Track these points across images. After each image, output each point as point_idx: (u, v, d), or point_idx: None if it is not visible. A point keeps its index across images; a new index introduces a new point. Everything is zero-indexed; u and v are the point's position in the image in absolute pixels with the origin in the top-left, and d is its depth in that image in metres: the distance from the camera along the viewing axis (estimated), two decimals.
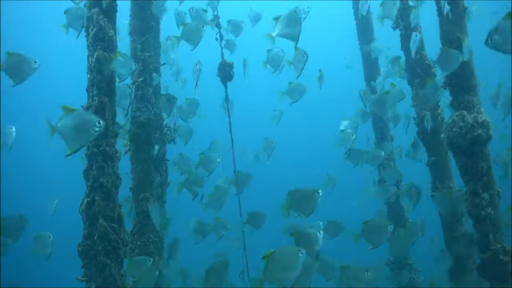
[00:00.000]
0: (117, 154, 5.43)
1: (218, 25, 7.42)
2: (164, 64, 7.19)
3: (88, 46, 5.39)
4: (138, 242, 6.51)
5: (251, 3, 8.24)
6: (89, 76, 5.33)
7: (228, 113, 7.41)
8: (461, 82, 5.86)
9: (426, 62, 7.23)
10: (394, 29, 7.61)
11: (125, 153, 6.65)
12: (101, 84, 5.26)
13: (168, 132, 7.55)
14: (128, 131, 6.71)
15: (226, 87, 7.38)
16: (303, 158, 26.34)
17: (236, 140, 7.44)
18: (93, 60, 5.26)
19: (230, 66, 7.33)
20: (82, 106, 5.36)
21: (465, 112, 5.75)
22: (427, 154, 7.34)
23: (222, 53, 7.42)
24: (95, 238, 5.19)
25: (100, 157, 5.21)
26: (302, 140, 26.99)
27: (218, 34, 7.45)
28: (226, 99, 7.37)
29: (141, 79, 6.68)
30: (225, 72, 7.29)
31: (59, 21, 6.30)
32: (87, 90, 5.36)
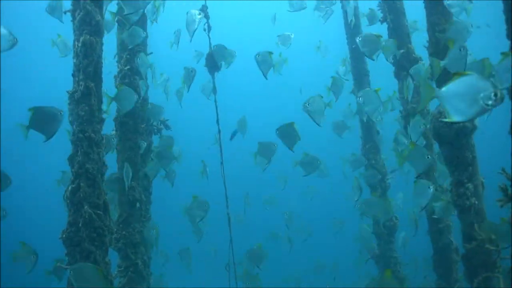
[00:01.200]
0: (103, 141, 5.35)
1: (206, 16, 7.38)
2: (151, 53, 7.12)
3: (74, 31, 5.31)
4: (124, 232, 6.43)
5: (251, 3, 8.28)
6: (75, 61, 5.24)
7: (216, 104, 7.37)
8: (447, 73, 5.90)
9: (413, 55, 7.30)
10: (381, 22, 7.68)
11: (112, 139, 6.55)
12: (88, 69, 5.18)
13: (154, 123, 7.50)
14: (114, 120, 6.63)
15: (213, 78, 7.33)
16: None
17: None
18: (79, 44, 5.18)
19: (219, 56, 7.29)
20: (67, 92, 5.28)
21: None
22: None
23: (210, 43, 7.37)
24: (80, 225, 5.10)
25: (86, 143, 5.13)
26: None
27: (206, 24, 7.41)
28: (214, 90, 7.32)
29: (128, 67, 6.61)
30: (213, 63, 7.25)
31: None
32: (72, 75, 5.28)
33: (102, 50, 5.39)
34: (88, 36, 5.16)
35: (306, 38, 14.27)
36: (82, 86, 5.13)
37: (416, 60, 7.25)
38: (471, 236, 5.77)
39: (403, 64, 7.28)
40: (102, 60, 5.39)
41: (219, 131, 7.41)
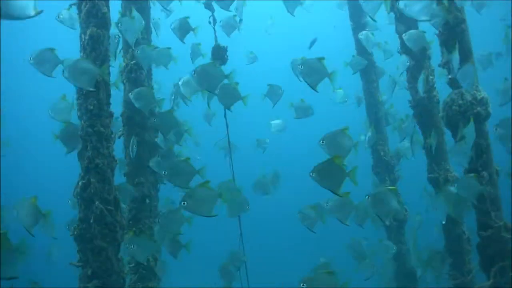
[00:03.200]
0: (112, 135, 5.27)
1: (211, 8, 7.29)
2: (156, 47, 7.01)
3: (80, 24, 5.22)
4: (134, 229, 6.34)
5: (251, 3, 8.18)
6: (82, 54, 5.16)
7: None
8: (460, 61, 5.83)
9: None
10: (388, 12, 7.58)
11: (119, 137, 6.47)
12: (95, 62, 5.10)
13: None
14: (121, 115, 6.54)
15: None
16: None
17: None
18: (86, 37, 5.09)
19: (224, 49, 7.20)
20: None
21: (463, 90, 5.73)
22: (423, 137, 7.32)
23: (215, 36, 7.28)
24: (91, 221, 5.03)
25: (95, 137, 5.06)
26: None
27: (212, 17, 7.32)
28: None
29: (134, 61, 6.50)
30: (219, 56, 7.15)
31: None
32: None
33: (109, 43, 5.31)
34: (95, 29, 5.08)
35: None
36: None
37: (425, 49, 7.17)
38: (487, 224, 5.70)
39: (412, 53, 7.17)
40: (109, 53, 5.30)
41: (227, 125, 7.33)
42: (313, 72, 5.27)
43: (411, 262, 8.46)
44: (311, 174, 4.38)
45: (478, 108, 5.61)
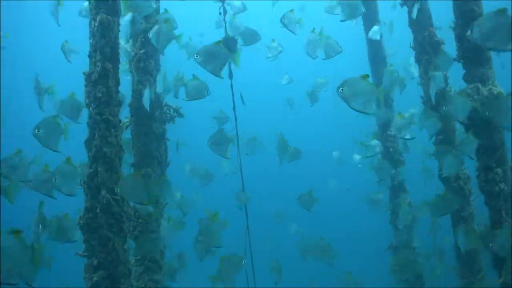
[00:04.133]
0: (121, 124, 5.18)
1: None
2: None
3: (90, 10, 5.13)
4: (140, 220, 6.26)
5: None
6: (91, 41, 5.08)
7: (232, 90, 7.18)
8: (475, 55, 5.71)
9: (435, 38, 7.06)
10: (402, 5, 7.45)
11: (126, 128, 6.39)
12: (105, 49, 5.01)
13: (168, 111, 7.31)
14: (129, 105, 6.45)
15: (229, 63, 7.12)
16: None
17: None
18: (96, 24, 5.00)
19: (234, 40, 7.10)
20: (83, 73, 5.11)
21: (479, 85, 5.61)
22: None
23: (225, 27, 7.18)
24: (98, 210, 4.95)
25: (103, 125, 4.97)
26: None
27: (222, 8, 7.22)
28: (230, 75, 7.13)
29: (143, 51, 6.41)
30: (229, 47, 7.04)
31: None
32: (89, 56, 5.11)
33: (119, 31, 5.22)
34: (105, 15, 4.98)
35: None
36: (99, 67, 4.97)
37: (439, 44, 7.03)
38: (499, 221, 5.58)
39: (425, 47, 7.06)
40: (119, 41, 5.21)
41: (236, 118, 7.23)
42: (358, 94, 4.18)
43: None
44: (339, 89, 3.96)
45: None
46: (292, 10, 6.44)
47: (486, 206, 5.74)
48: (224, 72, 5.89)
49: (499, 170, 5.58)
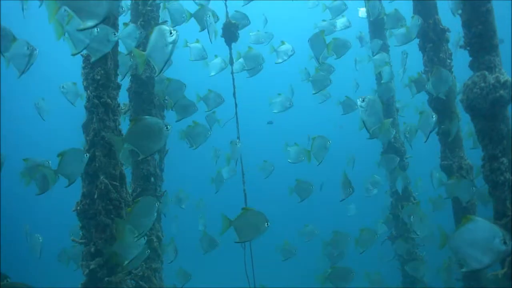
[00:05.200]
0: (119, 108, 5.04)
1: None
2: (165, 22, 6.76)
3: None
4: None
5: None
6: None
7: (232, 76, 7.05)
8: (482, 42, 5.59)
9: (440, 26, 6.95)
10: None
11: (125, 113, 6.25)
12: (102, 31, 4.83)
13: (166, 98, 7.17)
14: (128, 90, 6.30)
15: (230, 49, 7.00)
16: None
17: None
18: None
19: (235, 26, 6.95)
20: (82, 55, 4.95)
21: (486, 73, 5.48)
22: (438, 122, 7.09)
23: (226, 12, 7.02)
24: (95, 196, 4.82)
25: (102, 109, 4.83)
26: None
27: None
28: (231, 61, 6.99)
29: (144, 35, 6.24)
30: (230, 33, 6.90)
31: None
32: None
33: (118, 12, 5.06)
34: None
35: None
36: None
37: (444, 31, 6.92)
38: (503, 212, 5.50)
39: (429, 35, 6.94)
40: (118, 23, 5.05)
41: (236, 105, 7.10)
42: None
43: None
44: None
45: (501, 91, 5.36)
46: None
47: (490, 197, 5.65)
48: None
49: (504, 160, 5.48)
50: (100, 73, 4.79)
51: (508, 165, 5.49)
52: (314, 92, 7.08)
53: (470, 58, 5.69)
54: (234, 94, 7.04)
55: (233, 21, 6.94)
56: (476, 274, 6.52)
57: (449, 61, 6.93)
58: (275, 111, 7.54)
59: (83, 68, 4.91)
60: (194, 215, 10.38)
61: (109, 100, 4.84)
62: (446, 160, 6.99)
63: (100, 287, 4.71)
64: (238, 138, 7.10)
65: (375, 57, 7.97)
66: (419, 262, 8.27)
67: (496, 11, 5.39)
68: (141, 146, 4.20)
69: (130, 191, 6.14)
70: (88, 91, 4.87)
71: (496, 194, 5.54)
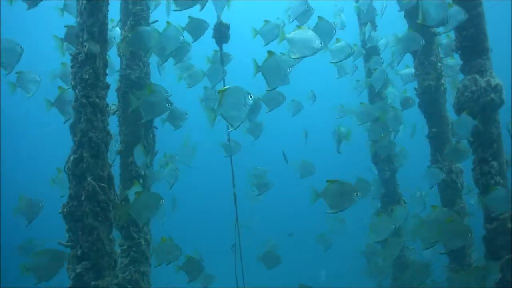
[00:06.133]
0: (108, 108, 4.94)
1: None
2: (156, 21, 6.67)
3: None
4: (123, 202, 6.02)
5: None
6: (78, 20, 4.81)
7: (223, 77, 6.97)
8: (473, 45, 5.60)
9: (431, 30, 6.96)
10: None
11: (113, 114, 6.14)
12: (93, 28, 4.75)
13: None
14: (117, 90, 6.20)
15: (221, 49, 6.92)
16: None
17: None
18: (84, 1, 4.74)
19: (227, 27, 6.88)
20: (70, 53, 4.86)
21: (477, 76, 5.50)
22: (428, 125, 7.11)
23: (218, 15, 6.94)
24: (82, 198, 4.71)
25: (90, 109, 4.72)
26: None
27: None
28: (222, 61, 6.92)
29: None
30: (221, 33, 6.83)
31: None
32: (75, 35, 4.85)
33: (108, 10, 4.97)
34: None
35: None
36: (87, 48, 4.70)
37: (434, 35, 6.94)
38: (493, 216, 5.51)
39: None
40: (107, 21, 4.96)
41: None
42: None
43: None
44: None
45: (492, 95, 5.39)
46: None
47: (480, 200, 5.66)
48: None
49: (494, 163, 5.50)
50: (88, 72, 4.69)
51: (498, 169, 5.51)
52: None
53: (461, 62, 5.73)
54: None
55: (224, 22, 6.87)
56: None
57: (439, 64, 6.95)
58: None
59: (71, 67, 4.80)
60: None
61: (97, 100, 4.74)
62: (436, 163, 7.00)
63: None
64: (228, 135, 7.03)
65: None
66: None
67: (496, 11, 5.41)
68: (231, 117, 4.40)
69: (118, 193, 6.07)
70: (76, 90, 4.76)
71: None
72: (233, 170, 6.99)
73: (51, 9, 6.19)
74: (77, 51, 4.76)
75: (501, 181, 5.49)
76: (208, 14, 6.95)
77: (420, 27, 6.56)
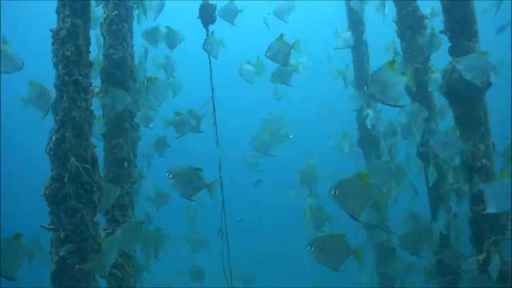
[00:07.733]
0: (91, 87, 4.79)
1: None
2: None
3: None
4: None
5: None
6: (58, 6, 4.62)
7: (209, 59, 6.84)
8: (462, 28, 5.58)
9: (419, 13, 6.94)
10: None
11: (96, 94, 5.97)
12: (74, 4, 4.58)
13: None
14: (100, 71, 6.02)
15: (207, 31, 6.78)
16: None
17: None
18: None
19: (213, 8, 6.73)
20: (50, 30, 4.67)
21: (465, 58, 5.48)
22: None
23: None
24: (65, 180, 4.57)
25: (72, 87, 4.56)
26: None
27: None
28: (206, 43, 6.76)
29: (115, 12, 5.97)
30: (207, 14, 6.68)
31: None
32: (57, 11, 4.67)
33: None
34: None
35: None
36: (68, 24, 4.54)
37: (422, 18, 6.91)
38: (480, 198, 5.53)
39: (408, 22, 6.91)
40: (90, 4, 4.78)
41: (213, 90, 6.90)
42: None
43: None
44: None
45: None
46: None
47: (467, 182, 5.68)
48: None
49: (481, 146, 5.51)
50: (70, 49, 4.52)
51: (485, 151, 5.53)
52: None
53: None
54: (211, 78, 6.85)
55: (210, 2, 6.72)
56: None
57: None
58: None
59: (52, 44, 4.62)
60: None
61: (80, 78, 4.58)
62: (424, 147, 7.00)
63: (70, 274, 4.47)
64: (215, 123, 6.90)
65: None
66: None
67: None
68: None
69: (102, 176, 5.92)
70: (59, 68, 4.59)
71: (473, 180, 5.58)
72: (220, 154, 6.89)
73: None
74: (58, 27, 4.58)
75: (488, 164, 5.51)
76: None
77: None
